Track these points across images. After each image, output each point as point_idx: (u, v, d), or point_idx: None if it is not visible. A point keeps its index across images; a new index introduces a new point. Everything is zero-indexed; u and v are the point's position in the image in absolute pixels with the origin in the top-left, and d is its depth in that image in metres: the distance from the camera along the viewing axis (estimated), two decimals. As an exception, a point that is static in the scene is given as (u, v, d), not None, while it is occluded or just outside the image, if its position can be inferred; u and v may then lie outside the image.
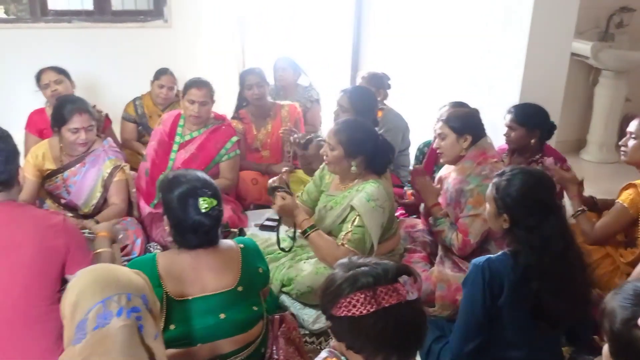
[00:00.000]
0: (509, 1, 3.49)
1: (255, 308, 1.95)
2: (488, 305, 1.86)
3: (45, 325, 1.86)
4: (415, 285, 1.36)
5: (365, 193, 2.51)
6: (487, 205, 2.01)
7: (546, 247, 1.84)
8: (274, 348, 2.06)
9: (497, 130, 3.09)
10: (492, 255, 1.92)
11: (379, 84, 3.80)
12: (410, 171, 2.91)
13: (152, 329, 1.40)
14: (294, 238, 2.71)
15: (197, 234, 1.87)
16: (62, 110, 2.89)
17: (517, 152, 3.09)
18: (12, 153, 1.90)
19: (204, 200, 1.86)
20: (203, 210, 1.85)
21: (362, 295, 1.31)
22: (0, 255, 1.81)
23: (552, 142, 3.27)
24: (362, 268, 1.37)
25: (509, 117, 3.03)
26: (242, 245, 2.00)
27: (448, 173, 2.83)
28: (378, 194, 2.51)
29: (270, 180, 2.60)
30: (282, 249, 2.71)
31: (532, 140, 3.00)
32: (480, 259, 1.91)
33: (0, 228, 1.84)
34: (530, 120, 2.99)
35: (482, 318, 1.87)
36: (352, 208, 2.51)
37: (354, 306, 1.31)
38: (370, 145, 2.58)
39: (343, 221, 2.58)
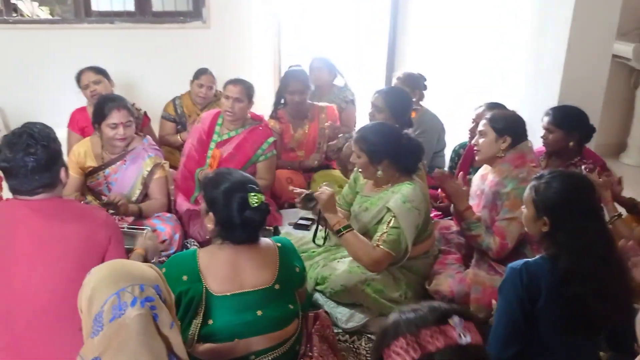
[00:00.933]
0: (549, 1, 3.45)
1: (291, 306, 1.97)
2: (527, 309, 1.83)
3: None
4: (472, 330, 1.18)
5: (401, 195, 2.51)
6: (524, 209, 1.98)
7: (588, 251, 1.80)
8: (308, 345, 2.07)
9: (535, 133, 3.05)
10: (529, 259, 1.89)
11: (414, 84, 3.78)
12: (435, 177, 2.81)
13: (166, 318, 1.43)
14: (326, 236, 2.73)
15: (246, 229, 1.90)
16: (101, 107, 2.98)
17: (555, 155, 3.03)
18: (49, 160, 1.94)
19: (254, 195, 1.88)
20: (253, 205, 1.88)
21: (404, 341, 1.16)
22: (47, 247, 1.88)
23: (591, 145, 3.22)
24: (408, 313, 1.21)
25: (546, 119, 2.98)
26: (279, 244, 2.03)
27: (485, 173, 2.80)
28: (414, 195, 2.51)
29: (299, 199, 2.61)
30: (317, 245, 2.72)
31: (571, 143, 2.94)
32: (518, 262, 1.87)
33: (47, 222, 1.91)
34: (569, 122, 2.93)
35: (521, 323, 1.84)
36: (388, 209, 2.50)
37: (398, 354, 1.16)
38: (392, 147, 2.57)
39: (379, 222, 2.57)
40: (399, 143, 2.59)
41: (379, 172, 2.59)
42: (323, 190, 2.51)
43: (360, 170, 2.68)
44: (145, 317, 1.37)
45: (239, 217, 1.88)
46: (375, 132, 2.61)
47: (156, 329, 1.39)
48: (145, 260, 2.35)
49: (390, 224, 2.46)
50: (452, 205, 2.83)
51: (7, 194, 3.15)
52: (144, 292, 1.41)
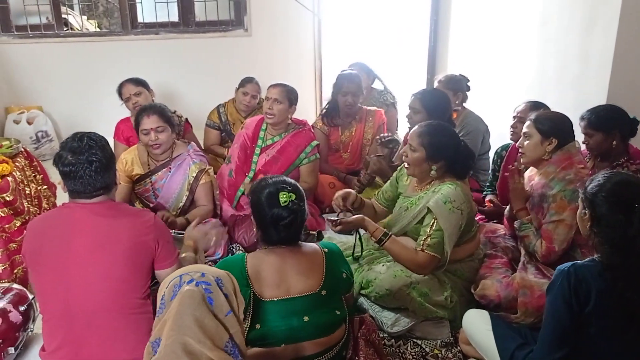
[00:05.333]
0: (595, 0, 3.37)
1: (337, 312, 1.98)
2: (575, 312, 1.79)
3: (139, 317, 1.98)
4: None
5: (441, 195, 2.48)
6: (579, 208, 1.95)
7: (631, 247, 1.75)
8: (354, 350, 2.08)
9: (581, 135, 2.98)
10: (578, 261, 1.86)
11: (457, 86, 3.74)
12: (510, 168, 2.79)
13: (223, 305, 1.49)
14: (361, 247, 2.74)
15: (277, 227, 1.94)
16: (137, 116, 3.10)
17: (601, 156, 2.95)
18: (109, 160, 2.03)
19: (283, 194, 1.93)
20: (282, 204, 1.92)
21: None
22: (100, 248, 1.95)
23: (640, 145, 3.11)
24: None
25: (583, 124, 2.87)
26: (326, 250, 2.04)
27: (531, 175, 2.75)
28: (455, 195, 2.48)
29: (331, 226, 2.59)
30: (355, 258, 2.74)
31: (614, 142, 2.85)
32: (566, 264, 1.84)
33: (101, 224, 1.99)
34: (606, 122, 2.82)
35: (568, 326, 1.80)
36: (429, 210, 2.48)
37: None
38: (452, 150, 2.56)
39: (419, 222, 2.56)
40: (458, 147, 2.59)
41: (433, 172, 2.57)
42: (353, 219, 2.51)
43: (408, 165, 2.63)
44: (195, 293, 1.46)
45: (269, 214, 1.93)
46: (441, 131, 2.58)
47: (208, 309, 1.46)
48: (196, 251, 2.41)
49: (433, 227, 2.45)
50: (509, 205, 2.79)
51: (60, 200, 3.28)
52: (204, 277, 1.52)
